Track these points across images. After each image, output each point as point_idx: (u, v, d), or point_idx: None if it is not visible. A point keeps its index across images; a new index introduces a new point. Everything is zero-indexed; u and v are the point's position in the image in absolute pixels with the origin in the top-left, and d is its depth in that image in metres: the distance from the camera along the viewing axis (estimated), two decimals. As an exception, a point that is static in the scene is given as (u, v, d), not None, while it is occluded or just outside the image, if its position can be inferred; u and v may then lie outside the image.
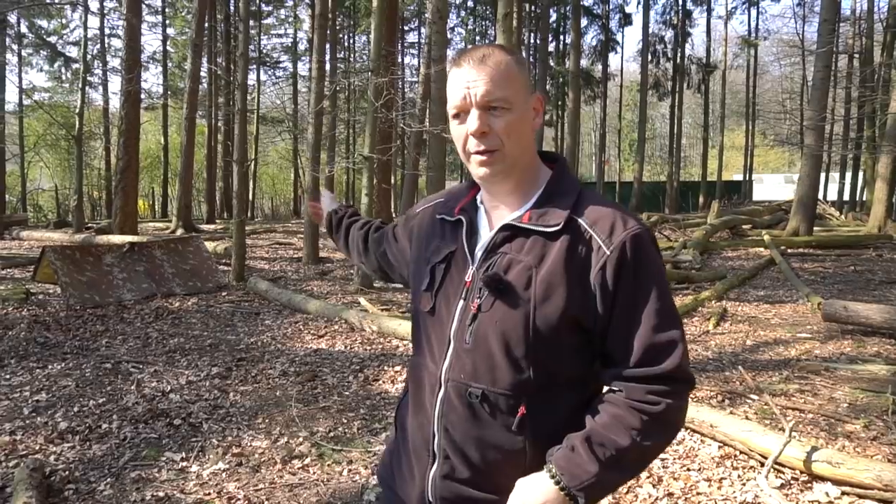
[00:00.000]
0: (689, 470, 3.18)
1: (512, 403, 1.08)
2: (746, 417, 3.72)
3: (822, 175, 19.37)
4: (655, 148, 45.94)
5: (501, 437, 1.09)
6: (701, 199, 27.34)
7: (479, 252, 1.14)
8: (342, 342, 5.84)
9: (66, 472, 3.22)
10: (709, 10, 29.11)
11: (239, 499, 2.97)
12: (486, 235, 1.15)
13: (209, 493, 3.02)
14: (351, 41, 32.62)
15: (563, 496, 1.02)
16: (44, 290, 8.09)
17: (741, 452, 3.30)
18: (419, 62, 29.92)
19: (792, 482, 3.01)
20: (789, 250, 11.52)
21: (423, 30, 32.20)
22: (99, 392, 4.44)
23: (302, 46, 31.10)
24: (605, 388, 1.12)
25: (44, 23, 26.64)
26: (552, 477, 1.03)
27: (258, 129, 29.35)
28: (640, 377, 1.05)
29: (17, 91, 24.06)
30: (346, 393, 4.45)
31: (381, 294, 8.23)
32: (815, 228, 13.79)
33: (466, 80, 1.08)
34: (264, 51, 31.59)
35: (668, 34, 29.54)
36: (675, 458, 3.31)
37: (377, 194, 11.10)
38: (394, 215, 16.63)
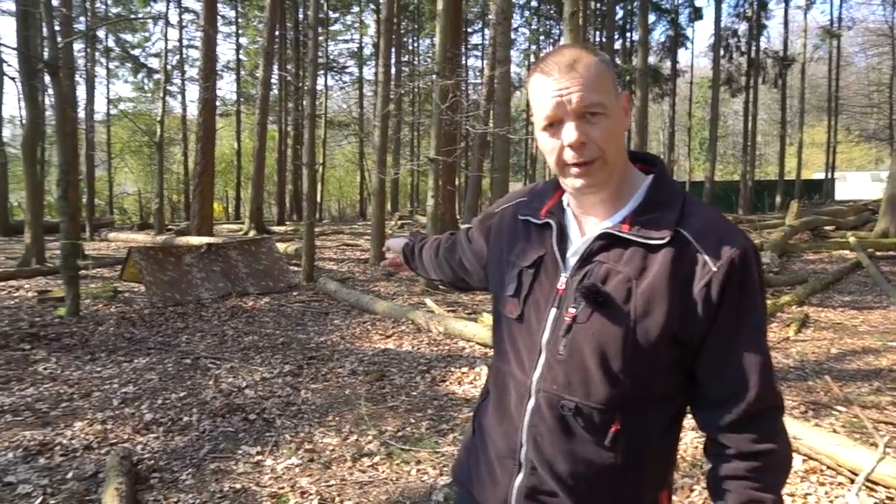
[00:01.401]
0: (770, 483, 3.03)
1: (606, 418, 1.04)
2: (833, 430, 3.52)
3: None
4: (728, 146, 44.15)
5: (593, 453, 1.06)
6: (778, 199, 26.04)
7: (571, 259, 1.09)
8: (409, 343, 5.90)
9: (152, 462, 3.40)
10: (786, 1, 27.73)
11: (311, 494, 3.04)
12: (577, 241, 1.10)
13: (283, 487, 3.12)
14: (415, 44, 33.02)
15: None
16: (129, 288, 8.58)
17: (828, 467, 3.11)
18: (482, 64, 29.89)
19: (886, 502, 2.82)
20: (878, 253, 10.81)
21: (486, 31, 32.20)
22: (180, 386, 4.66)
23: (367, 51, 31.74)
24: (708, 440, 1.09)
25: (129, 37, 28.29)
26: None
27: (326, 132, 30.14)
28: (742, 419, 1.03)
29: (105, 101, 25.67)
30: (414, 393, 4.49)
31: (446, 295, 8.27)
32: (906, 230, 12.86)
33: (558, 89, 1.02)
34: (331, 56, 32.39)
35: (742, 27, 28.30)
36: (755, 471, 3.16)
37: (442, 196, 11.16)
38: (458, 217, 16.68)
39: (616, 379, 1.03)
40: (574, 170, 1.04)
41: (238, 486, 3.14)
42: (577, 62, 1.03)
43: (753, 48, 27.38)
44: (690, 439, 3.57)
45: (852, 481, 2.92)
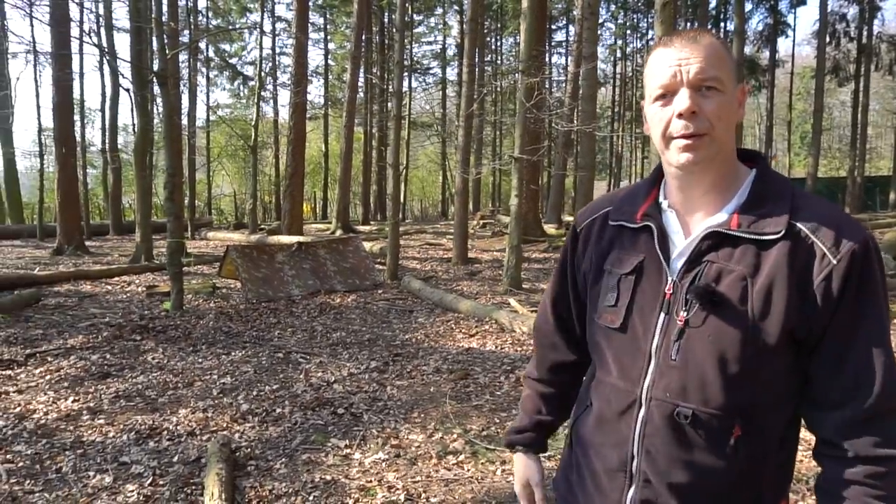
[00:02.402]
0: None
1: (726, 425, 1.00)
2: None
3: None
4: (832, 139, 41.14)
5: (712, 461, 1.01)
6: (892, 196, 23.99)
7: (677, 261, 1.05)
8: (493, 342, 5.89)
9: (248, 450, 3.57)
10: (903, -20, 25.48)
11: (398, 489, 3.09)
12: (681, 242, 1.06)
13: (370, 481, 3.18)
14: (498, 44, 32.96)
15: None
16: (226, 284, 9.07)
17: None
18: (566, 61, 29.44)
19: None
20: None
21: (571, 28, 31.67)
22: (273, 379, 4.87)
23: (450, 52, 32.02)
24: (820, 444, 1.01)
25: (227, 46, 29.99)
26: None
27: (409, 133, 30.67)
28: (863, 421, 0.95)
29: (205, 108, 27.33)
30: (498, 393, 4.47)
31: (529, 295, 8.20)
32: None
33: (677, 58, 1.01)
34: (415, 58, 32.93)
35: (852, 11, 26.26)
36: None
37: (525, 195, 11.08)
38: (541, 216, 16.49)
39: (735, 383, 0.98)
40: (681, 142, 1.01)
41: (328, 477, 3.24)
42: (700, 37, 1.02)
43: (865, 33, 25.35)
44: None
45: None
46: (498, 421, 3.93)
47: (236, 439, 3.72)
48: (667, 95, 1.02)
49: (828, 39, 24.95)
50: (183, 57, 22.55)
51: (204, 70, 29.00)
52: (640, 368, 1.06)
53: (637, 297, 1.08)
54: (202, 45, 27.05)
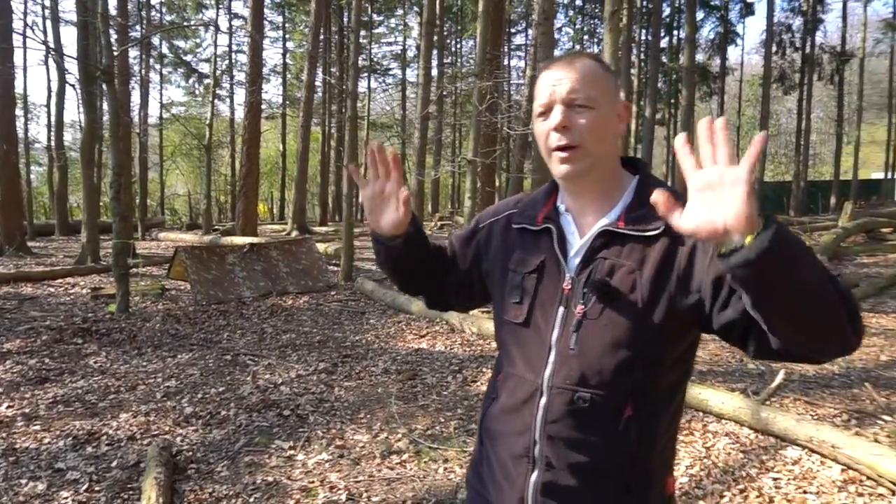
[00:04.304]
0: (805, 492, 2.95)
1: (619, 406, 1.09)
2: (876, 440, 3.39)
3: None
4: (779, 145, 42.65)
5: (606, 441, 1.09)
6: (833, 201, 25.05)
7: (574, 259, 1.15)
8: (442, 343, 5.95)
9: (190, 453, 3.53)
10: (845, -6, 26.65)
11: (340, 488, 3.11)
12: (577, 242, 1.16)
13: (313, 482, 3.19)
14: (458, 46, 33.12)
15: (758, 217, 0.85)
16: (176, 286, 8.89)
17: (868, 478, 3.00)
18: (525, 64, 29.77)
19: (929, 515, 2.71)
20: (938, 257, 10.30)
21: (530, 31, 32.03)
22: (219, 381, 4.82)
23: (411, 53, 31.99)
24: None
25: (181, 43, 29.29)
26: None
27: (368, 134, 30.51)
28: None
29: (159, 106, 26.65)
30: (445, 393, 4.53)
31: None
32: (971, 232, 12.22)
33: (554, 79, 1.12)
34: (375, 59, 32.80)
35: (797, 22, 27.32)
36: (789, 479, 3.08)
37: (480, 197, 11.18)
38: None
39: (628, 367, 1.08)
40: (558, 154, 1.12)
41: (270, 478, 3.24)
42: (576, 60, 1.13)
43: (808, 44, 26.40)
44: (723, 445, 3.50)
45: (893, 493, 2.81)
46: (443, 420, 3.98)
47: (178, 443, 3.67)
48: (546, 112, 1.13)
49: (774, 49, 25.92)
50: (135, 53, 21.97)
51: (157, 66, 28.30)
52: (542, 359, 1.13)
53: (539, 293, 1.16)
54: (155, 40, 26.38)
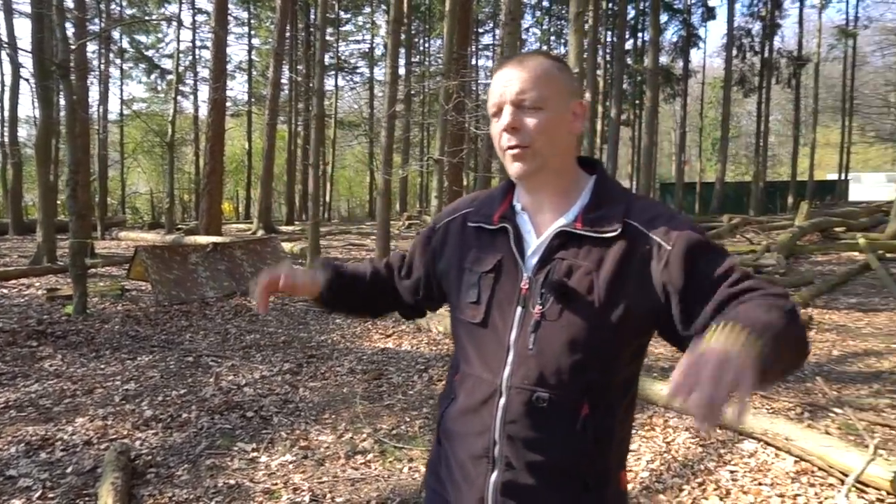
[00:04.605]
0: (760, 484, 3.03)
1: (577, 404, 1.09)
2: (827, 432, 3.50)
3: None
4: (740, 146, 43.74)
5: (565, 440, 1.10)
6: (790, 201, 25.81)
7: (531, 258, 1.14)
8: (409, 342, 5.94)
9: (150, 457, 3.45)
10: (801, 0, 27.47)
11: (303, 490, 3.08)
12: (534, 242, 1.15)
13: (276, 483, 3.16)
14: (426, 45, 33.09)
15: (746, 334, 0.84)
16: (136, 286, 8.68)
17: (819, 469, 3.11)
18: (493, 64, 29.87)
19: (876, 503, 2.81)
20: (888, 255, 10.70)
21: (497, 31, 32.18)
22: (181, 383, 4.72)
23: (378, 52, 31.84)
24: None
25: (143, 38, 28.62)
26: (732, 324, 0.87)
27: (336, 133, 30.26)
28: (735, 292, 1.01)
29: (119, 102, 25.95)
30: (411, 392, 4.52)
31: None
32: (919, 231, 12.71)
33: (504, 80, 1.12)
34: (342, 57, 32.54)
35: (756, 27, 28.07)
36: (745, 471, 3.16)
37: (448, 196, 11.20)
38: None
39: (585, 366, 1.08)
40: (509, 153, 1.13)
41: (232, 481, 3.19)
42: (527, 60, 1.13)
43: (767, 48, 27.14)
44: (683, 440, 3.58)
45: (842, 482, 2.91)
46: (409, 420, 3.98)
47: (137, 447, 3.59)
48: (497, 113, 1.14)
49: (735, 52, 26.57)
50: (94, 47, 21.39)
51: (118, 61, 27.58)
52: (501, 360, 1.12)
53: (497, 293, 1.15)
54: (115, 35, 25.70)
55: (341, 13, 30.45)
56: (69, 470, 3.31)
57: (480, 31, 32.69)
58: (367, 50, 33.17)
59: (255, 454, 3.50)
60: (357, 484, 3.15)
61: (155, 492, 3.08)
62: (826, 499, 2.88)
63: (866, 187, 33.93)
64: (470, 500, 1.17)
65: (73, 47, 7.89)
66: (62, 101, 16.79)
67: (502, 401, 1.12)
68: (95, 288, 8.23)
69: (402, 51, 20.28)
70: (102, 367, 5.15)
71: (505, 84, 1.12)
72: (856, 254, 10.90)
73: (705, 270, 1.04)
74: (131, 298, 7.98)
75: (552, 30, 32.72)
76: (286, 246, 10.71)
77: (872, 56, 33.95)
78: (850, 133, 29.42)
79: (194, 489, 3.11)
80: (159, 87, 30.86)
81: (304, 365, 5.18)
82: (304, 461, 3.41)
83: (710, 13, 29.27)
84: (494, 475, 1.13)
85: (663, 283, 1.05)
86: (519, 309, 1.12)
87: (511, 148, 1.12)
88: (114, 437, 3.73)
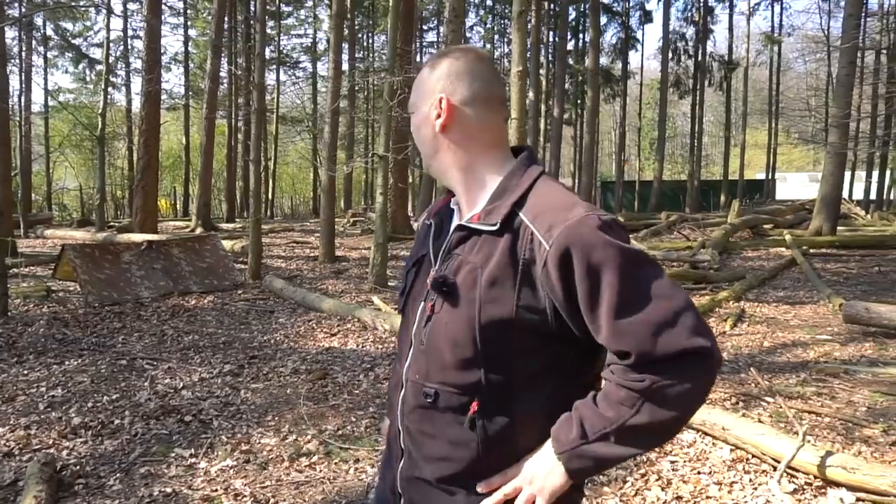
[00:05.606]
0: (699, 473, 3.12)
1: (464, 402, 1.07)
2: (760, 420, 3.65)
3: (848, 174, 18.94)
4: (676, 146, 45.38)
5: (455, 435, 1.08)
6: (722, 199, 26.94)
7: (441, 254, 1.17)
8: (354, 341, 5.85)
9: (78, 467, 3.27)
10: (731, 7, 28.69)
11: (245, 495, 2.98)
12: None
13: (216, 490, 3.04)
14: (370, 41, 32.75)
15: (555, 460, 1.03)
16: (64, 287, 8.23)
17: (754, 456, 3.23)
18: (437, 61, 29.78)
19: (805, 487, 2.94)
20: (811, 250, 11.30)
21: (441, 29, 32.19)
22: (113, 388, 4.49)
23: (321, 46, 31.30)
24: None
25: (69, 25, 27.14)
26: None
27: (278, 128, 29.59)
28: (623, 359, 0.99)
29: (43, 93, 24.56)
30: (356, 392, 4.45)
31: (394, 293, 8.24)
32: (839, 228, 13.49)
33: None
34: (284, 51, 31.84)
35: (690, 31, 29.17)
36: (685, 461, 3.25)
37: (393, 193, 11.12)
38: (410, 215, 16.63)
39: (469, 363, 1.06)
40: None
41: (168, 489, 3.05)
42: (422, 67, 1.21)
43: (700, 52, 28.20)
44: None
45: (775, 469, 3.03)
46: (354, 420, 3.91)
47: (64, 457, 3.39)
48: None
49: (670, 55, 27.50)
50: (13, 33, 20.14)
51: (41, 49, 26.07)
52: (405, 352, 1.17)
53: (414, 286, 1.21)
54: (38, 20, 24.29)
55: (283, 6, 29.78)
56: (-13, 484, 3.09)
57: (425, 28, 32.66)
58: (309, 44, 32.56)
59: (193, 460, 3.37)
60: (301, 487, 3.07)
61: (83, 503, 2.91)
62: (760, 485, 2.99)
63: (791, 186, 35.77)
64: (389, 482, 1.22)
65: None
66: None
67: (403, 392, 1.16)
68: (18, 289, 7.75)
69: (346, 46, 19.98)
70: (25, 372, 4.84)
71: None
72: (783, 250, 11.47)
73: (581, 295, 0.97)
74: (58, 300, 7.56)
75: (496, 28, 33.01)
76: (227, 244, 10.38)
77: (796, 62, 35.86)
78: (776, 135, 30.93)
79: (127, 499, 2.96)
80: (88, 78, 29.40)
81: (246, 366, 5.02)
82: (246, 465, 3.30)
83: (647, 16, 30.22)
84: (402, 463, 1.17)
85: (545, 290, 1.01)
86: (422, 303, 1.14)
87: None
88: (38, 447, 3.51)
